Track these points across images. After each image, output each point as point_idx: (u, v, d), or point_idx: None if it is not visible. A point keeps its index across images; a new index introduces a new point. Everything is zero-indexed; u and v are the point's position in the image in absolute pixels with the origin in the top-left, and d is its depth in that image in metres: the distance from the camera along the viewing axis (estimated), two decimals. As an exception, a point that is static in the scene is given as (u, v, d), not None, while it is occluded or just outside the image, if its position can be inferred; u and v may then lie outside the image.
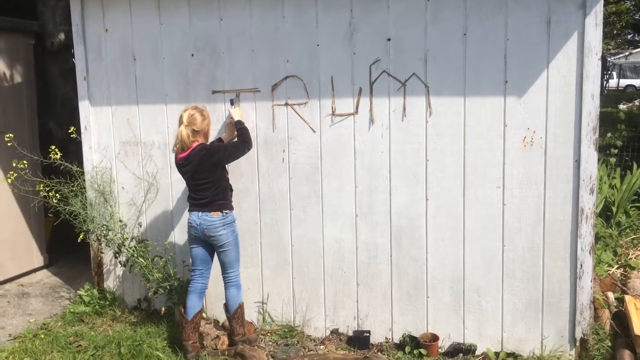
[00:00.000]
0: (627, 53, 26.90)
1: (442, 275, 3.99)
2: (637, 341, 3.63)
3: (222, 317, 4.35)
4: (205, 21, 4.29)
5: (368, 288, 4.17)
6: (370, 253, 4.13)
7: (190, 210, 3.95)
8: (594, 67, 3.58)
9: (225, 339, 4.09)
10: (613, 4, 15.67)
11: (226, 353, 3.94)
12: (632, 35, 21.23)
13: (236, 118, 4.12)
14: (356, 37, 3.97)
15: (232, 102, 4.25)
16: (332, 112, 4.09)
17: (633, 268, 4.77)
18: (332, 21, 4.00)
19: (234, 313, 3.99)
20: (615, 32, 17.66)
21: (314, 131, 4.15)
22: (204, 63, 4.35)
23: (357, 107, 4.04)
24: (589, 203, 3.69)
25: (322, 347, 4.15)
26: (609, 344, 3.77)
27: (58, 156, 4.46)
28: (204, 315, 4.34)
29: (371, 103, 4.00)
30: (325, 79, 4.07)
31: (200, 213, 3.87)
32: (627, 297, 4.12)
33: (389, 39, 3.90)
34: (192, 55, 4.37)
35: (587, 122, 3.63)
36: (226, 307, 4.06)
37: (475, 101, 3.81)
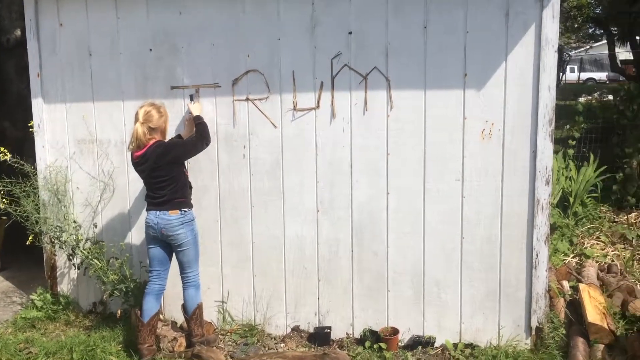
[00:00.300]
0: (587, 47, 27.57)
1: (403, 269, 4.01)
2: (591, 329, 3.72)
3: (180, 318, 4.27)
4: (164, 15, 4.20)
5: (329, 284, 4.16)
6: (331, 248, 4.12)
7: (147, 210, 3.87)
8: (550, 59, 3.62)
9: (182, 341, 4.02)
10: (574, -3, 15.99)
11: (183, 355, 3.87)
12: (592, 29, 21.72)
13: (195, 113, 4.06)
14: (318, 31, 3.94)
15: (191, 98, 4.19)
16: (294, 106, 4.06)
17: (588, 257, 4.89)
18: (293, 14, 3.97)
19: (192, 314, 3.93)
20: (576, 25, 18.03)
21: (275, 126, 4.11)
22: (163, 58, 4.26)
23: (318, 102, 4.02)
24: (545, 194, 3.75)
25: (282, 345, 4.13)
26: (564, 331, 3.85)
27: (8, 156, 4.32)
28: (161, 317, 4.27)
29: (333, 97, 3.98)
30: (286, 74, 4.04)
31: (158, 212, 3.80)
32: (581, 286, 4.20)
33: (350, 33, 3.89)
34: (150, 50, 4.28)
35: (543, 113, 3.68)
36: (184, 307, 3.99)
37: (435, 94, 3.83)
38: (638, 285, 4.40)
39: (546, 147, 3.71)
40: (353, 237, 4.07)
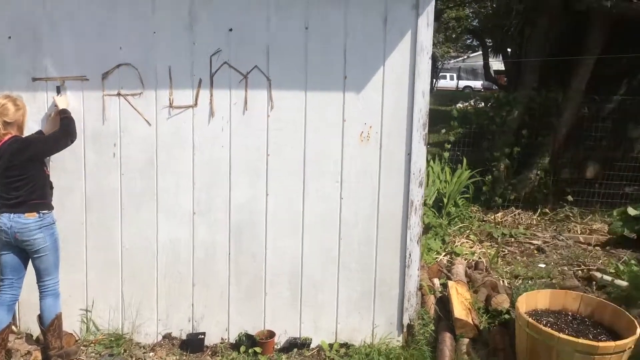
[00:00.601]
0: (465, 57, 29.56)
1: (281, 271, 3.97)
2: (457, 324, 3.91)
3: (37, 330, 3.89)
4: (24, 0, 3.82)
5: (205, 288, 4.02)
6: (208, 251, 3.98)
7: (0, 212, 3.49)
8: (425, 65, 3.73)
9: (38, 354, 3.67)
10: (454, 8, 16.95)
11: (38, 370, 3.55)
12: (470, 40, 23.25)
13: (61, 107, 3.74)
14: (197, 26, 3.78)
15: (58, 90, 3.85)
16: (170, 104, 3.87)
17: (458, 254, 5.17)
18: (170, 7, 3.77)
19: (50, 325, 3.59)
20: (454, 36, 19.16)
21: (150, 124, 3.89)
22: (24, 47, 3.87)
23: (196, 100, 3.86)
24: (418, 195, 3.86)
25: (152, 354, 3.92)
26: (433, 327, 4.02)
27: None
28: (14, 329, 3.87)
29: (211, 95, 3.85)
30: (162, 69, 3.84)
31: (12, 215, 3.43)
32: (450, 283, 4.41)
33: (230, 30, 3.78)
34: (9, 38, 3.87)
35: (417, 118, 3.78)
36: (40, 318, 3.64)
37: (316, 96, 3.82)
38: (501, 281, 4.72)
39: (420, 150, 3.82)
40: (231, 239, 3.95)
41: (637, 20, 7.28)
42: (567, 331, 3.60)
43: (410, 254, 3.87)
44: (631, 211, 5.90)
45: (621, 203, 6.58)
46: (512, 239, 5.81)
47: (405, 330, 3.95)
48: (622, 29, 7.58)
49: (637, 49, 7.83)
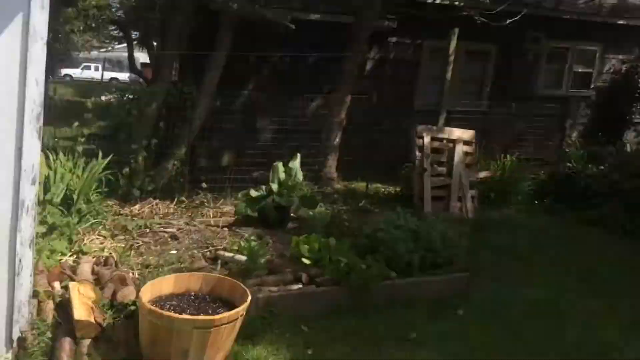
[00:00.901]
0: (110, 47, 28.50)
1: None
2: (77, 325, 3.73)
3: None
4: None
5: None
6: None
7: None
8: (39, 52, 3.44)
9: None
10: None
11: None
12: (117, 31, 22.50)
13: None
14: None
15: None
16: None
17: (85, 253, 4.97)
18: None
19: None
20: (94, 25, 18.17)
21: None
22: None
23: None
24: (31, 194, 3.55)
25: None
26: (50, 335, 3.76)
27: None
28: None
29: None
30: None
31: None
32: (71, 284, 4.19)
33: None
34: None
35: (31, 109, 3.45)
36: None
37: None
38: (131, 273, 4.71)
39: (33, 144, 3.51)
40: None
41: (260, 23, 8.25)
42: (188, 311, 3.83)
43: (20, 260, 3.52)
44: (253, 193, 6.68)
45: (250, 187, 7.36)
46: (148, 230, 5.88)
47: (15, 344, 3.59)
48: (250, 30, 8.47)
49: (262, 49, 8.91)
